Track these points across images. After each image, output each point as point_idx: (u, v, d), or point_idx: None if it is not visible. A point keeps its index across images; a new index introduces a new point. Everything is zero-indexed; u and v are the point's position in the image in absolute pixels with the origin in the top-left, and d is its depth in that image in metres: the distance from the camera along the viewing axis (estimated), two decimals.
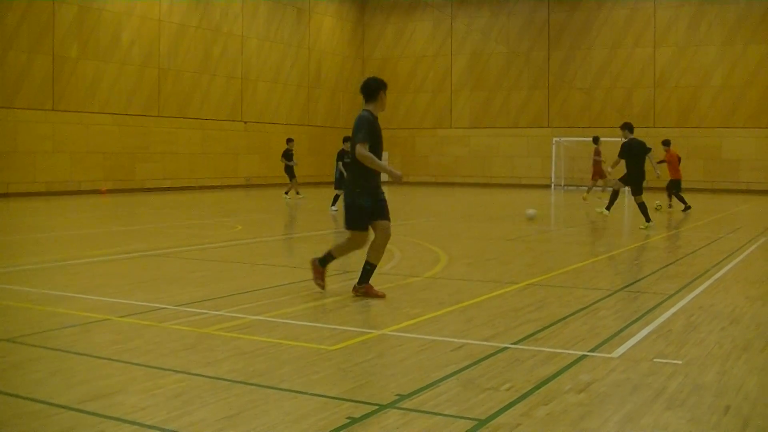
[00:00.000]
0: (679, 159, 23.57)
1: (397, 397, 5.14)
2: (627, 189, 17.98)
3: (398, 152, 43.26)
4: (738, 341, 6.78)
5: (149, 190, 32.20)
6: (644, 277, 10.31)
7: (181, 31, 34.40)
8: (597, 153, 28.29)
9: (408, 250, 13.40)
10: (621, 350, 6.40)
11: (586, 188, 29.01)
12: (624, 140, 17.57)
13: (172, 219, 21.00)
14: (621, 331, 7.11)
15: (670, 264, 11.57)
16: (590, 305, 8.29)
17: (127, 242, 14.50)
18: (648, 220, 17.03)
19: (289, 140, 28.78)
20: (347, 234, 8.84)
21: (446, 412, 4.86)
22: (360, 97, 8.89)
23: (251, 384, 5.43)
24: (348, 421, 4.70)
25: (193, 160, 34.81)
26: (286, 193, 28.60)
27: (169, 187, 32.42)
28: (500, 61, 42.32)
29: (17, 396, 5.18)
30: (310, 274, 9.04)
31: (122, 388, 5.33)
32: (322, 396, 5.17)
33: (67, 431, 4.51)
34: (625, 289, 9.29)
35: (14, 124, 28.00)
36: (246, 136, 37.54)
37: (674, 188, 23.09)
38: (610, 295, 8.91)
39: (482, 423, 4.68)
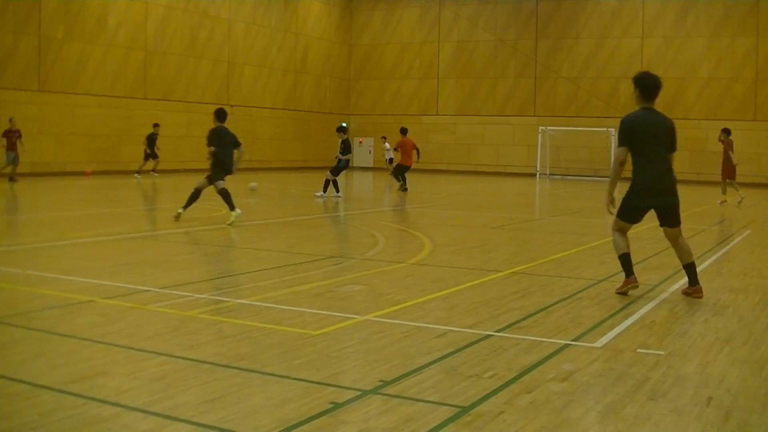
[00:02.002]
0: (416, 148, 25.83)
1: (380, 383, 5.15)
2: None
3: None
4: (720, 333, 6.82)
5: (134, 172, 31.98)
6: None
7: (168, 14, 34.18)
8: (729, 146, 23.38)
9: (392, 236, 13.41)
10: (604, 340, 6.42)
11: (733, 190, 23.40)
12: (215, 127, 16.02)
13: (157, 202, 20.93)
14: (604, 321, 7.13)
15: (654, 255, 11.61)
16: (574, 294, 8.32)
17: (111, 224, 14.43)
18: (233, 208, 14.88)
19: (156, 125, 29.74)
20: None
21: (429, 399, 4.87)
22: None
23: (234, 368, 5.42)
24: (331, 406, 4.70)
25: (179, 143, 34.65)
26: (154, 170, 30.17)
27: (153, 170, 32.19)
28: (487, 49, 42.29)
29: (0, 376, 5.17)
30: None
31: (105, 370, 5.32)
32: (305, 381, 5.17)
33: (49, 412, 4.50)
34: (609, 279, 9.32)
35: None
36: (231, 120, 37.24)
37: (400, 171, 25.12)
38: (593, 285, 8.94)
39: (465, 410, 4.69)
